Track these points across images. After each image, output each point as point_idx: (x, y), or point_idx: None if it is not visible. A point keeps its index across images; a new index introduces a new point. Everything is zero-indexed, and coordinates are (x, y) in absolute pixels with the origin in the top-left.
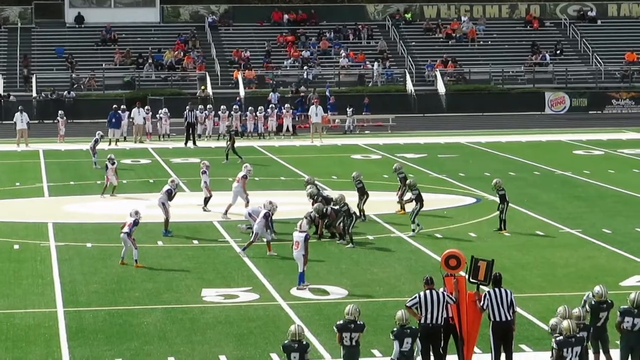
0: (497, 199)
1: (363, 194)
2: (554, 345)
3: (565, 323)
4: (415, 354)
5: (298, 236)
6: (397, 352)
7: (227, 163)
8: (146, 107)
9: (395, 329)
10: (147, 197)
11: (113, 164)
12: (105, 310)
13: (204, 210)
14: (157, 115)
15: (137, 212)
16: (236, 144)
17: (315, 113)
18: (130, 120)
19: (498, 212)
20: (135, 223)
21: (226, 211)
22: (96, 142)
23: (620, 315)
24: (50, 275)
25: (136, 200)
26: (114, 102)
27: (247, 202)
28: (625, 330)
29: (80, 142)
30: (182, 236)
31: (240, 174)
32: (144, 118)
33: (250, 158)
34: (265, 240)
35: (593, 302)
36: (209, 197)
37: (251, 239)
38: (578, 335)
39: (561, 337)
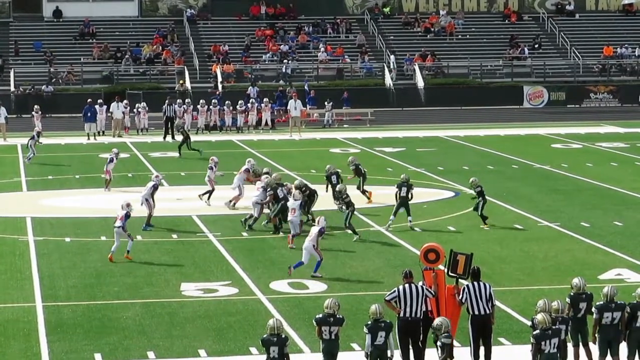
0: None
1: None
2: (532, 340)
3: (539, 316)
4: (390, 349)
5: (314, 229)
6: (368, 346)
7: (181, 158)
8: (124, 102)
9: (369, 323)
10: (126, 191)
11: (116, 158)
12: (84, 305)
13: (200, 198)
14: (134, 110)
15: (128, 205)
16: (217, 138)
17: (295, 107)
18: (109, 114)
19: (473, 209)
20: (127, 216)
21: (232, 202)
22: (33, 137)
23: (597, 312)
24: (29, 269)
25: (115, 195)
26: (92, 97)
27: (240, 194)
28: (604, 325)
29: (58, 137)
30: (161, 230)
31: (244, 168)
32: (123, 112)
33: (229, 152)
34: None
35: (572, 294)
36: (212, 191)
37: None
38: (554, 327)
39: (538, 331)
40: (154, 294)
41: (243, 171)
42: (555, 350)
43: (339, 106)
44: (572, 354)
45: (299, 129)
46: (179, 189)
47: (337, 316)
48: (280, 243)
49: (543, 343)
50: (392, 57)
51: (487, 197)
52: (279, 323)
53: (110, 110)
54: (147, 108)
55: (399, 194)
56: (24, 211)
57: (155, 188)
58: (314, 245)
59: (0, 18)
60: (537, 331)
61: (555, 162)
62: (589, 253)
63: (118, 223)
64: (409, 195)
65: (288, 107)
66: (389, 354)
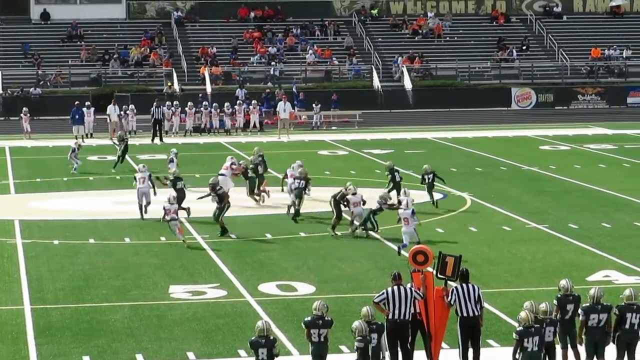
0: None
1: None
2: (515, 336)
3: (523, 314)
4: (382, 350)
5: (404, 213)
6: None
7: (117, 169)
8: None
9: None
10: (114, 193)
11: (176, 158)
12: (73, 308)
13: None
14: (121, 112)
15: (175, 197)
16: (206, 140)
17: (283, 109)
18: (107, 116)
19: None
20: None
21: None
22: (74, 150)
23: (584, 314)
24: (17, 272)
25: (103, 197)
26: (80, 99)
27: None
28: (590, 327)
29: (46, 139)
30: (150, 232)
31: (229, 164)
32: (119, 115)
33: (217, 154)
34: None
35: (559, 296)
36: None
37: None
38: (536, 326)
39: (521, 328)
40: (143, 296)
41: (229, 167)
42: (537, 348)
43: (327, 108)
44: (560, 356)
45: (287, 131)
46: (167, 192)
47: (326, 318)
48: (269, 245)
49: (525, 340)
50: (399, 58)
51: (437, 183)
52: (268, 325)
53: (108, 112)
54: (135, 110)
55: (427, 181)
56: (12, 213)
57: (150, 176)
58: (414, 228)
59: None
60: (520, 328)
61: (544, 164)
62: (577, 254)
63: (169, 216)
64: (434, 181)
65: (277, 109)
66: (380, 357)
